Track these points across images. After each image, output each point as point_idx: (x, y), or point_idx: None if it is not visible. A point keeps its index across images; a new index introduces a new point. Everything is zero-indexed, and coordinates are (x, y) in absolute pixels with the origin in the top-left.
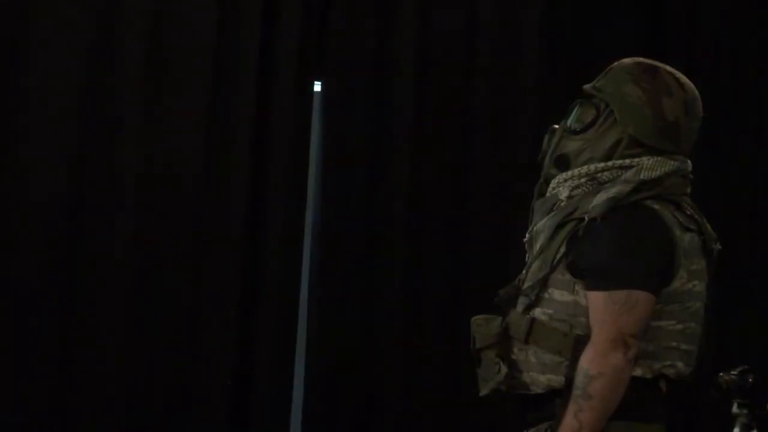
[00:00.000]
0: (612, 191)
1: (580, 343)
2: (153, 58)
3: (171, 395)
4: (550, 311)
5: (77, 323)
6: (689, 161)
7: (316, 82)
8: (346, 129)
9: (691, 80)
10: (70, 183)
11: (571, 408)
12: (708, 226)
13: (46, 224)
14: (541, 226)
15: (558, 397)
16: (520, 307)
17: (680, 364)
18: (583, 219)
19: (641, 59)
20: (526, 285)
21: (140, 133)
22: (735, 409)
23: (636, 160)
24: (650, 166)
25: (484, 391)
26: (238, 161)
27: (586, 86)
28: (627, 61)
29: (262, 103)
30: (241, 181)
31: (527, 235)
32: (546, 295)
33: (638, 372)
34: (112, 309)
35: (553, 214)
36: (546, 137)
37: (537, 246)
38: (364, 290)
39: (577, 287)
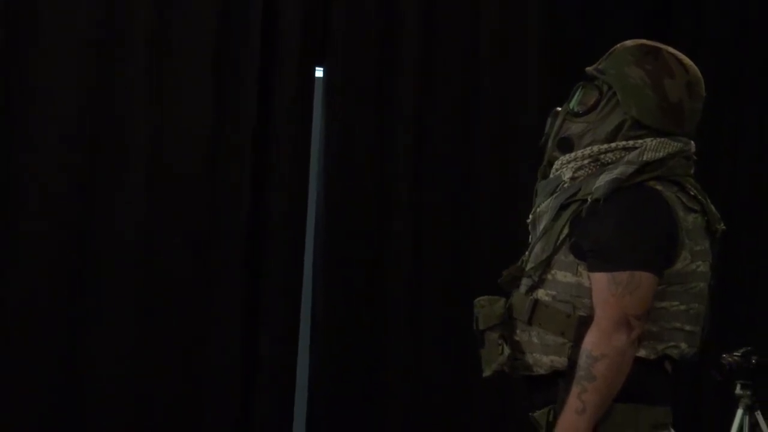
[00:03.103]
0: (615, 172)
1: (584, 324)
2: (155, 45)
3: (179, 379)
4: (554, 292)
5: (87, 305)
6: (692, 142)
7: (317, 68)
8: (348, 114)
9: (694, 62)
10: (78, 170)
11: (575, 389)
12: (712, 206)
13: (54, 215)
14: (544, 207)
15: (561, 379)
16: (523, 289)
17: (684, 345)
18: (586, 200)
19: (643, 41)
20: (529, 266)
21: (144, 120)
22: (738, 390)
23: (639, 141)
24: (653, 148)
25: (487, 372)
26: (241, 147)
27: (589, 68)
28: (629, 43)
29: (265, 88)
30: (245, 166)
31: (530, 216)
32: (549, 277)
33: (642, 353)
34: (119, 295)
35: (556, 195)
36: (549, 120)
37: (540, 227)
38: (368, 275)
39: (580, 268)
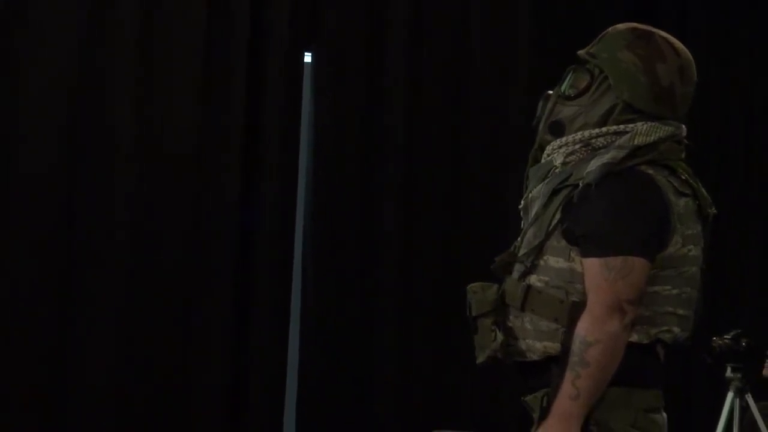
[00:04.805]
0: (606, 157)
1: (576, 309)
2: (144, 32)
3: (169, 370)
4: (546, 278)
5: (77, 298)
6: (684, 126)
7: (306, 53)
8: (336, 99)
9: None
10: (65, 157)
11: (569, 375)
12: (703, 190)
13: (42, 204)
14: (536, 192)
15: (554, 364)
16: (515, 275)
17: (677, 329)
18: (577, 185)
19: (635, 24)
20: (521, 252)
21: (134, 108)
22: (729, 373)
23: (630, 125)
24: (645, 132)
25: (480, 359)
26: (231, 132)
27: (581, 52)
28: (621, 26)
29: (254, 74)
30: (235, 152)
31: (522, 202)
32: (542, 262)
33: (635, 338)
34: (110, 286)
35: (547, 180)
36: (540, 103)
37: (532, 213)
38: (359, 264)
39: (572, 254)
